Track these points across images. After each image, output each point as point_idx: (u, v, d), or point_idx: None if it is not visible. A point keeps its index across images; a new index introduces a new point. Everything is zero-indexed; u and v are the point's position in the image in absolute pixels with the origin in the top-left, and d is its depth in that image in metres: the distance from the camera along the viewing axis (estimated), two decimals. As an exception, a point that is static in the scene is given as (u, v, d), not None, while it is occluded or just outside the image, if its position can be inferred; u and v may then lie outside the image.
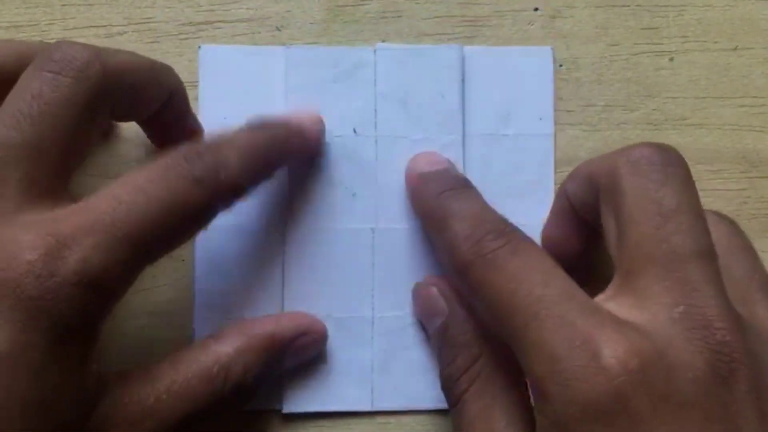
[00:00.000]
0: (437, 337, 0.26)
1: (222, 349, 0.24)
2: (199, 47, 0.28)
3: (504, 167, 0.28)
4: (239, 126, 0.25)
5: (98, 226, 0.20)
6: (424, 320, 0.27)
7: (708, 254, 0.21)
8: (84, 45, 0.23)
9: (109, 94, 0.23)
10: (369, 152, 0.28)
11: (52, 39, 0.28)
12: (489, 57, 0.29)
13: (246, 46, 0.29)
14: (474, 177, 0.26)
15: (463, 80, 0.28)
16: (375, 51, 0.28)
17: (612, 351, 0.19)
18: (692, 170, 0.28)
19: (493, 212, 0.24)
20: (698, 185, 0.28)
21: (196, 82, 0.28)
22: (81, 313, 0.20)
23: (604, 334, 0.19)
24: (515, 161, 0.29)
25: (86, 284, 0.20)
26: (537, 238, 0.27)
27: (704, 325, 0.19)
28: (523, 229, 0.23)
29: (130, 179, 0.22)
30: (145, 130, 0.27)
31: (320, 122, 0.28)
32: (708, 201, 0.28)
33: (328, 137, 0.28)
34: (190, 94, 0.28)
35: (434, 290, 0.26)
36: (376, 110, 0.28)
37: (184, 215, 0.22)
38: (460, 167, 0.28)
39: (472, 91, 0.29)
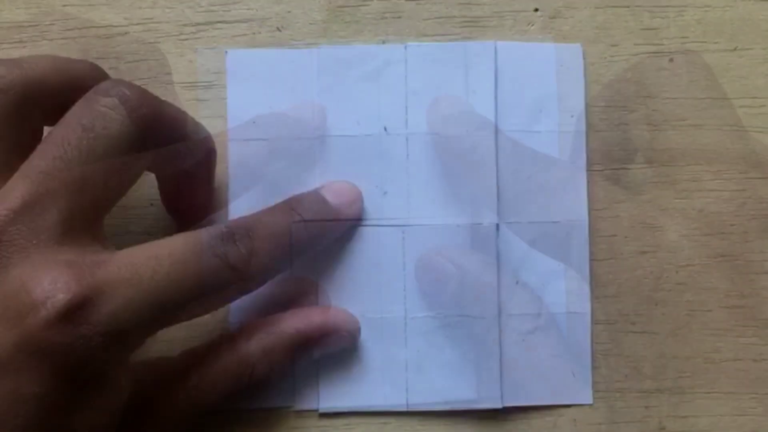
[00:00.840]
0: (456, 297, 0.26)
1: (249, 348, 0.25)
2: (226, 52, 0.28)
3: (536, 164, 0.28)
4: (275, 206, 0.26)
5: (135, 282, 0.21)
6: (434, 290, 0.27)
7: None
8: (131, 84, 0.23)
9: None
10: (400, 150, 0.28)
11: (52, 39, 0.28)
12: (520, 53, 0.29)
13: (274, 49, 0.29)
14: (506, 174, 0.26)
15: (496, 76, 0.28)
16: (405, 48, 0.28)
17: None
18: (692, 170, 0.29)
19: None
20: (698, 185, 0.29)
21: (197, 82, 0.28)
22: (100, 359, 0.21)
23: None
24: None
25: (112, 336, 0.21)
26: (577, 232, 0.27)
27: None
28: (559, 225, 0.23)
29: (171, 246, 0.22)
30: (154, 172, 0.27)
31: (357, 200, 0.28)
32: (708, 201, 0.29)
33: (360, 135, 0.28)
34: (190, 95, 0.28)
35: (436, 256, 0.27)
36: (407, 108, 0.28)
37: (214, 293, 0.23)
38: (492, 164, 0.27)
39: (503, 86, 0.28)
